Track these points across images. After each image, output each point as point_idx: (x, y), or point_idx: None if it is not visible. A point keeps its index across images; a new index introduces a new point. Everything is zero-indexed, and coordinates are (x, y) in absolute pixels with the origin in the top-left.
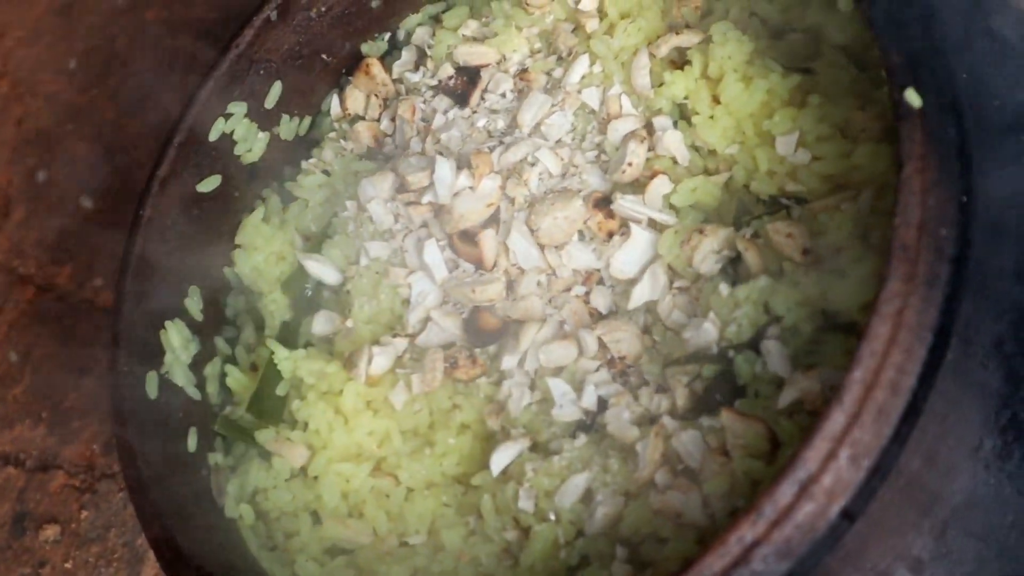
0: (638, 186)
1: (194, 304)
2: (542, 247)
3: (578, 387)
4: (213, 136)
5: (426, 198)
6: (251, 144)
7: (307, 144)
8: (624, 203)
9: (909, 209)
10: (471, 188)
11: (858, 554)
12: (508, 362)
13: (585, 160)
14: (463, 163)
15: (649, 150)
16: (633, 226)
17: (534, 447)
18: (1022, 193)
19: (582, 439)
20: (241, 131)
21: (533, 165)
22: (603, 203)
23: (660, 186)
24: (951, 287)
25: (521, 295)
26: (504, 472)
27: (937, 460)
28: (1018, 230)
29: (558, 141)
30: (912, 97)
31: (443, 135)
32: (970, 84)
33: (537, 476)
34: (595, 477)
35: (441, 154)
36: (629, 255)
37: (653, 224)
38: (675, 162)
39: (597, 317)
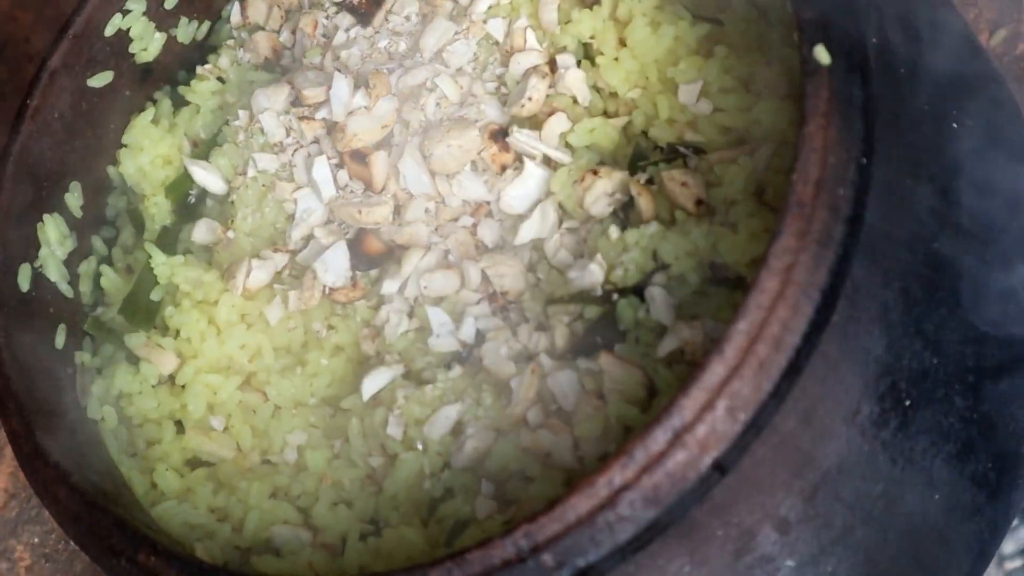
0: (536, 122)
1: (74, 200)
2: (433, 174)
3: (457, 318)
4: (109, 31)
5: (320, 114)
6: (147, 43)
7: (204, 49)
8: (520, 137)
9: (808, 166)
10: (367, 108)
11: (725, 508)
12: (389, 287)
13: (484, 91)
14: (360, 82)
15: (550, 87)
16: (527, 161)
17: (407, 375)
18: (920, 160)
19: (457, 371)
20: (138, 29)
21: (431, 91)
22: (499, 135)
23: (558, 124)
24: (843, 248)
25: (407, 220)
26: (375, 397)
27: (813, 421)
28: (912, 197)
29: (459, 69)
30: (821, 54)
31: (343, 52)
32: (880, 47)
33: (408, 404)
34: (467, 410)
35: (339, 71)
36: (520, 190)
37: (547, 161)
38: (575, 101)
39: (483, 250)
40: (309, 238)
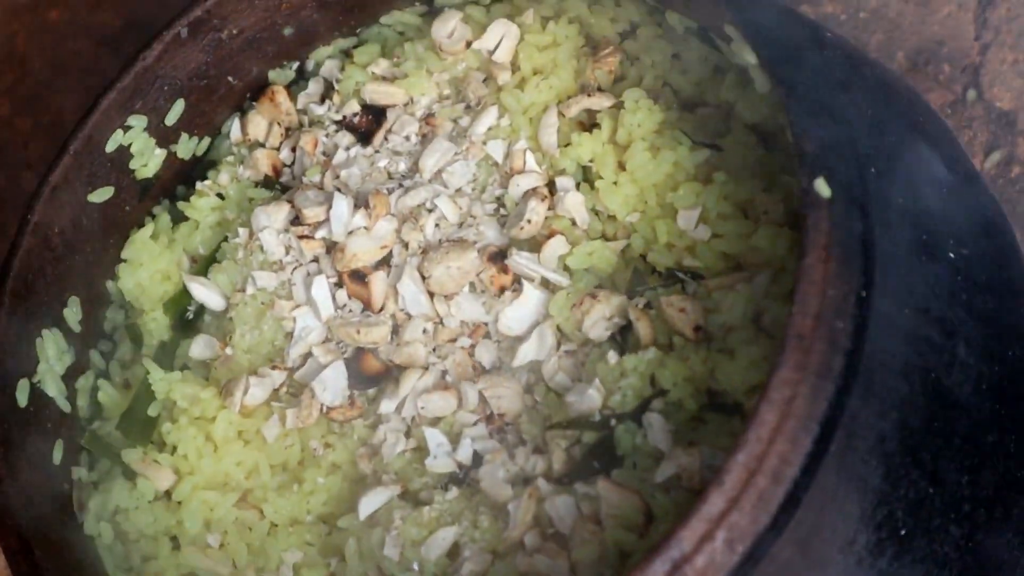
0: (535, 244)
1: (73, 315)
2: (432, 295)
3: (454, 439)
4: (110, 147)
5: (320, 233)
6: (147, 159)
7: (204, 165)
8: (519, 259)
9: (808, 299)
10: (366, 228)
11: None
12: (386, 406)
13: (484, 212)
14: (360, 202)
15: (549, 209)
16: (526, 284)
17: (404, 495)
18: (916, 292)
19: (454, 492)
20: (139, 145)
21: (431, 211)
22: (498, 257)
23: (557, 246)
24: (842, 380)
25: (406, 340)
26: (371, 517)
27: (810, 551)
28: (908, 328)
29: (458, 190)
30: (822, 187)
31: (343, 171)
32: (879, 179)
33: (405, 525)
34: (464, 532)
35: (339, 190)
36: (518, 312)
37: (546, 284)
38: (574, 224)
39: (480, 371)
40: (307, 356)
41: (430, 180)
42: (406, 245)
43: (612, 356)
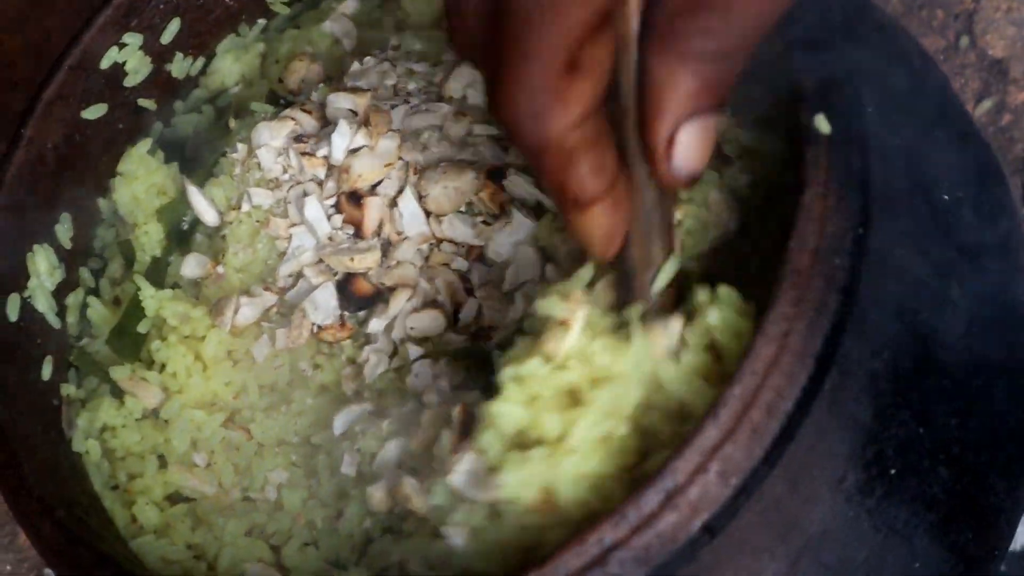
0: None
1: (64, 231)
2: (428, 214)
3: (439, 360)
4: (105, 64)
5: (321, 151)
6: (142, 77)
7: (198, 85)
8: (515, 180)
9: (806, 234)
10: (369, 147)
11: (711, 570)
12: (375, 326)
13: (486, 132)
14: (362, 120)
15: None
16: (515, 212)
17: (378, 412)
18: (911, 232)
19: (410, 405)
20: (133, 63)
21: (433, 131)
22: (496, 175)
23: None
24: (838, 317)
25: (396, 261)
26: (344, 435)
27: (801, 487)
28: (902, 268)
29: (468, 109)
30: (821, 123)
31: (350, 83)
32: (877, 119)
33: (365, 438)
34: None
35: (342, 107)
36: (509, 239)
37: (539, 212)
38: None
39: (471, 293)
40: (298, 276)
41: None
42: (407, 164)
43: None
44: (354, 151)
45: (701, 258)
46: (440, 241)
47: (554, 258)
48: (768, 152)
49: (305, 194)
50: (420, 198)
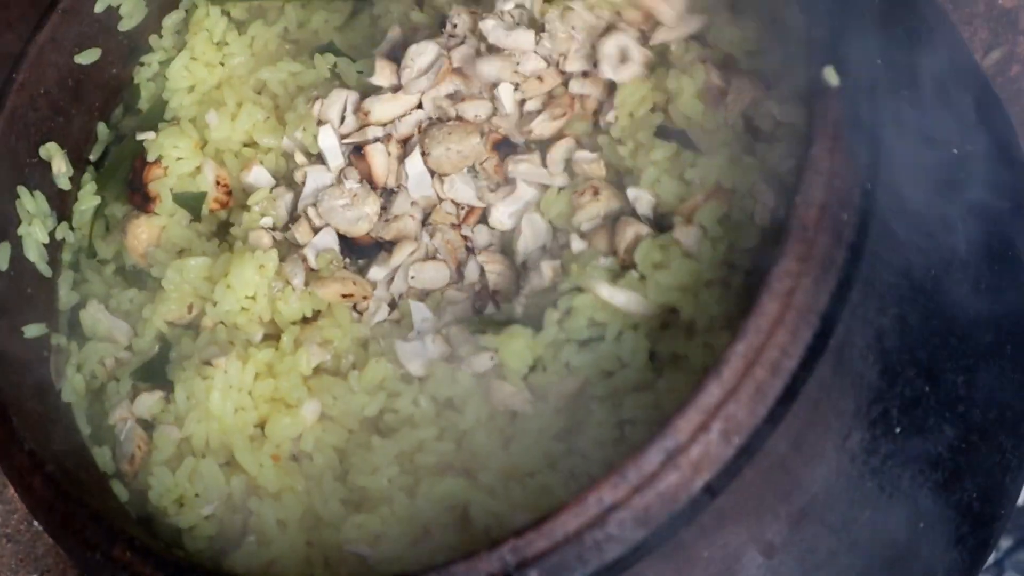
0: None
1: (56, 178)
2: (432, 173)
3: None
4: (99, 8)
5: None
6: (136, 21)
7: None
8: (521, 157)
9: (813, 189)
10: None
11: (713, 530)
12: (375, 273)
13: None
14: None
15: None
16: (520, 183)
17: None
18: (919, 186)
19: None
20: (128, 7)
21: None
22: (503, 147)
23: (565, 148)
24: (844, 273)
25: (399, 214)
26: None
27: (804, 446)
28: (909, 223)
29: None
30: (831, 75)
31: None
32: (885, 71)
33: None
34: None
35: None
36: (511, 208)
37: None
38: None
39: (472, 253)
40: (301, 217)
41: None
42: (419, 120)
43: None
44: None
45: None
46: (441, 201)
47: (565, 229)
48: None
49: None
50: (424, 156)
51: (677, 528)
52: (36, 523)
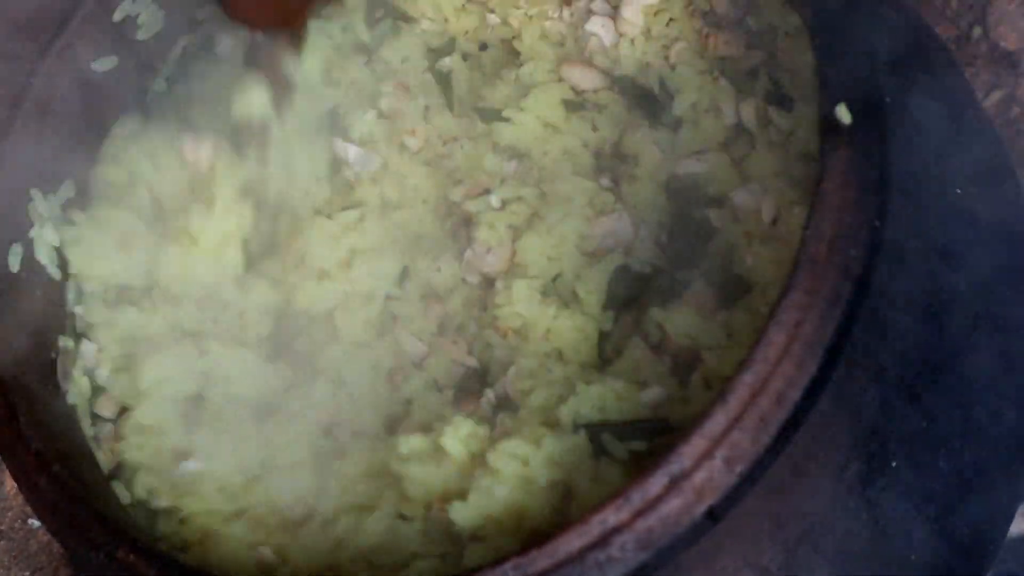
0: None
1: (70, 182)
2: None
3: None
4: (117, 16)
5: None
6: (154, 30)
7: None
8: None
9: (823, 224)
10: None
11: (712, 555)
12: None
13: None
14: None
15: None
16: None
17: None
18: (924, 224)
19: None
20: (146, 16)
21: None
22: None
23: None
24: (850, 308)
25: None
26: None
27: (803, 475)
28: (914, 260)
29: None
30: (843, 113)
31: None
32: (896, 111)
33: None
34: None
35: None
36: None
37: None
38: None
39: None
40: None
41: None
42: None
43: None
44: None
45: None
46: None
47: None
48: None
49: None
50: None
51: (677, 552)
52: (29, 521)
